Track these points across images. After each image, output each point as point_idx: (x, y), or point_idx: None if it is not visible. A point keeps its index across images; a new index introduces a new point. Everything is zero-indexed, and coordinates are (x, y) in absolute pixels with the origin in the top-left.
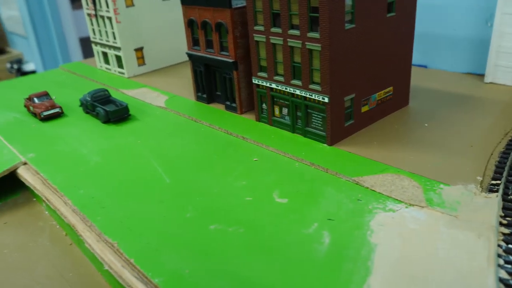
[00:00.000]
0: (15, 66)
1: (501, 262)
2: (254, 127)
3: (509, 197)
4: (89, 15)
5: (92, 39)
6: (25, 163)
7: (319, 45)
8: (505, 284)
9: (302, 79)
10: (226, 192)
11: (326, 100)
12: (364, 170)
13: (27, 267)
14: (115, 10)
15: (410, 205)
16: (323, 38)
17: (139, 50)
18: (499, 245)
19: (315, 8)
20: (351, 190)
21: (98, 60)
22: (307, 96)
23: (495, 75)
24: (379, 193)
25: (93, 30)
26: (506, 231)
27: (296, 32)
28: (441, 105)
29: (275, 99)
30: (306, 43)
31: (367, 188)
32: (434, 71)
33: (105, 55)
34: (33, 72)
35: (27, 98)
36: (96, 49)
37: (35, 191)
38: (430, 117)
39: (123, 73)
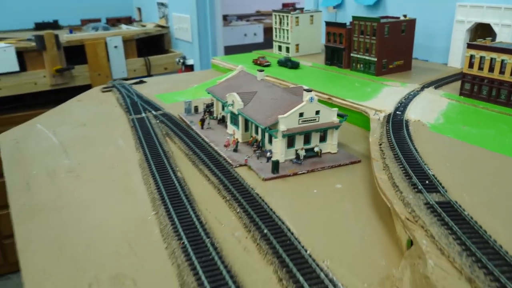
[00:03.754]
0: (181, 61)
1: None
2: (350, 72)
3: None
4: (275, 28)
5: (274, 39)
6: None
7: (375, 41)
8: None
9: (368, 53)
10: (352, 86)
11: (375, 59)
12: (386, 81)
13: None
14: (291, 27)
15: (396, 86)
16: (378, 38)
17: (297, 45)
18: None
19: (375, 30)
20: (381, 84)
21: (275, 48)
22: (369, 58)
23: None
24: (388, 85)
25: (276, 35)
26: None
27: (368, 36)
28: (426, 71)
29: (358, 60)
30: (371, 40)
31: (385, 84)
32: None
33: (279, 46)
34: (191, 65)
35: (256, 59)
36: (275, 44)
37: None
38: (418, 72)
39: (288, 54)
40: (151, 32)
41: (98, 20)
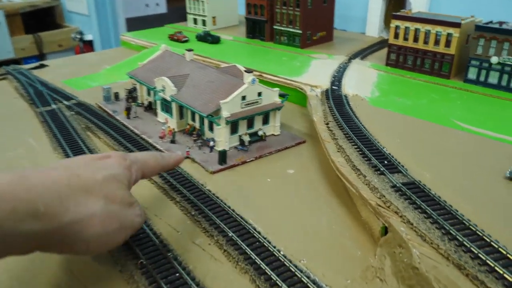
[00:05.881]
0: (78, 36)
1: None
2: (274, 45)
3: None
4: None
5: (187, 11)
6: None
7: (299, 12)
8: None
9: (292, 25)
10: (280, 60)
11: (300, 32)
12: (313, 53)
13: None
14: None
15: (323, 58)
16: (301, 10)
17: (214, 17)
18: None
19: (299, 1)
20: (308, 57)
21: (189, 21)
22: (293, 30)
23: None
24: (316, 57)
25: (190, 7)
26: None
27: (291, 7)
28: (347, 41)
29: (282, 33)
30: (295, 12)
31: (313, 57)
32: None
33: (194, 19)
34: (91, 41)
35: (172, 34)
36: (189, 16)
37: None
38: (340, 42)
39: (205, 28)
40: (38, 5)
41: None
